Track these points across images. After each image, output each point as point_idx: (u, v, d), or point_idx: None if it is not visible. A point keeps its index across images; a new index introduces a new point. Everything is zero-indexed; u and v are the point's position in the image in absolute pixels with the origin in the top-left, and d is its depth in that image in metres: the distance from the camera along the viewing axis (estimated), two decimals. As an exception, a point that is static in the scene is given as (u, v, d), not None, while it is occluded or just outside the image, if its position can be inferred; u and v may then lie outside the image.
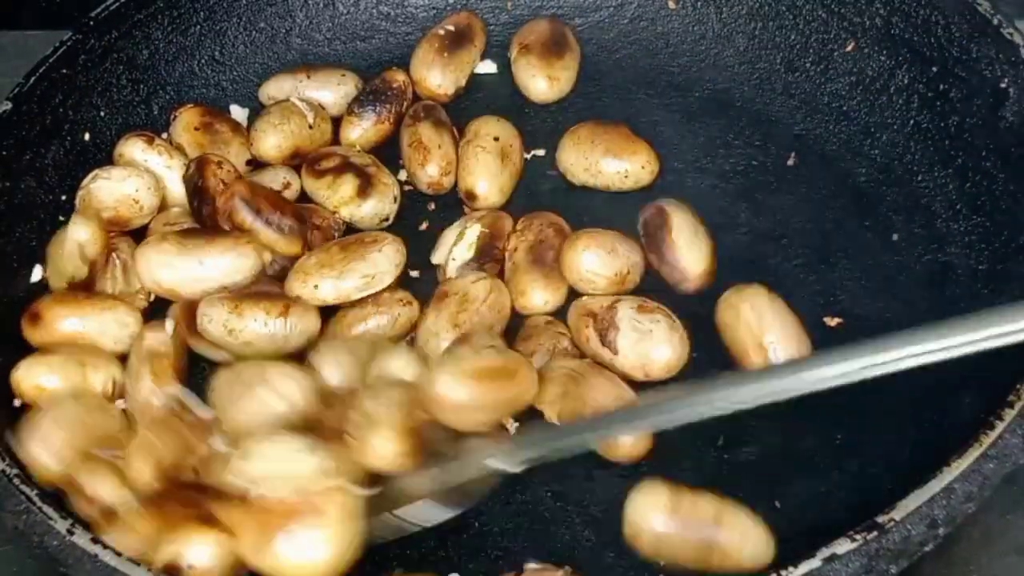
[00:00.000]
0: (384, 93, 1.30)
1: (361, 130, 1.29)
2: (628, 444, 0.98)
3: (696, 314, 1.09)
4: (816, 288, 1.12)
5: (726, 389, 0.83)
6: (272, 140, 1.25)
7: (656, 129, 1.27)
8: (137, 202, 1.17)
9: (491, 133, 1.24)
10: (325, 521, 0.83)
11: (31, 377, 1.04)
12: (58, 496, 0.92)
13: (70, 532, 0.87)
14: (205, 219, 1.17)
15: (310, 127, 1.27)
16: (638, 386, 1.03)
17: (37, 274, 1.17)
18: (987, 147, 1.12)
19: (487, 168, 1.21)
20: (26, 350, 1.08)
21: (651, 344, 1.04)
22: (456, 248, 1.15)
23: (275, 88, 1.33)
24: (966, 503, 0.84)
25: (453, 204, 1.24)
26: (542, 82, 1.32)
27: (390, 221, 1.22)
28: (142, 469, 0.90)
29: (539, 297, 1.11)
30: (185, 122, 1.28)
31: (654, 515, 0.89)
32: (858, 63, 1.27)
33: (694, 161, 1.24)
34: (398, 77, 1.32)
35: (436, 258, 1.18)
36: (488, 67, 1.39)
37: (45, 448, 0.95)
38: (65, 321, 1.08)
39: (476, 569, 0.92)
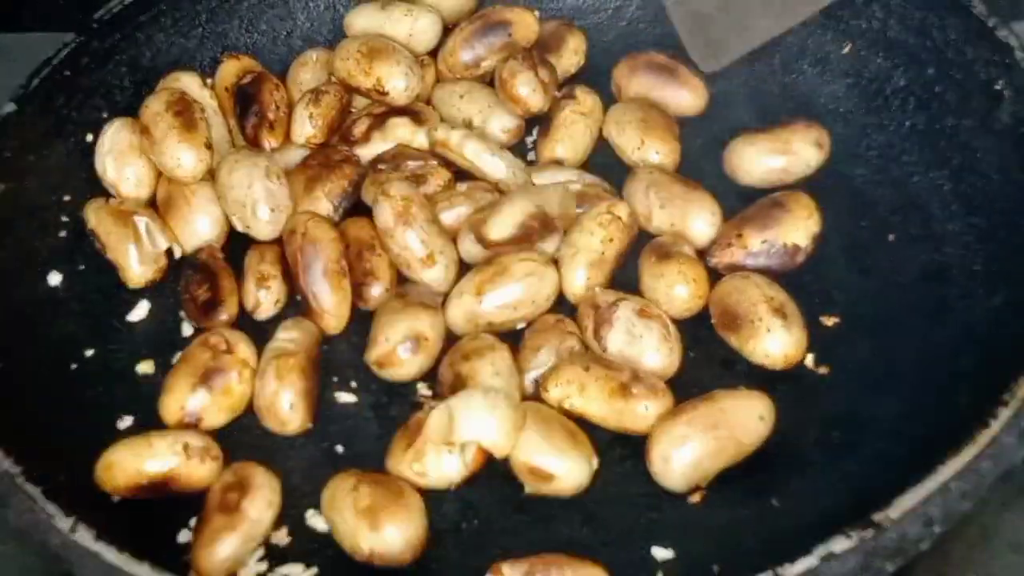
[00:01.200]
0: None
1: None
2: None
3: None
4: (814, 287, 1.12)
5: None
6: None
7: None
8: None
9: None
10: None
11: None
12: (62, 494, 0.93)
13: (73, 530, 0.88)
14: (247, 130, 1.26)
15: None
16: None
17: (55, 279, 1.18)
18: (982, 148, 1.13)
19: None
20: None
21: (639, 349, 1.05)
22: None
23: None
24: (962, 501, 0.85)
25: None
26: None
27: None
28: None
29: None
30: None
31: None
32: (855, 65, 1.28)
33: (693, 162, 1.24)
34: None
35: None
36: None
37: None
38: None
39: (477, 567, 0.92)
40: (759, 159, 1.20)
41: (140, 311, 1.18)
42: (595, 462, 0.99)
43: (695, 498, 0.98)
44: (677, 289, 1.09)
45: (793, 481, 0.98)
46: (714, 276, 1.12)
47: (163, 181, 1.24)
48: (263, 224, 1.17)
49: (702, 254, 1.14)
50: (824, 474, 0.98)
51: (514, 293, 1.09)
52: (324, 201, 1.20)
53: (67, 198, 1.22)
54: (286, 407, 1.05)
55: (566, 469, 0.97)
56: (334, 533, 0.96)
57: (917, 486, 0.85)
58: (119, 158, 1.22)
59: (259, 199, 1.16)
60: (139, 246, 1.18)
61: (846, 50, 1.28)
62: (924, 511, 0.84)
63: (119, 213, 1.19)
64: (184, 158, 1.18)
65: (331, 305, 1.12)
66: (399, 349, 1.06)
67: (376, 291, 1.14)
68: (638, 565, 0.93)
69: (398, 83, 1.27)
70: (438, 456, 0.98)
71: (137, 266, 1.18)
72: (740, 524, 0.96)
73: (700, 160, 1.24)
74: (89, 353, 1.14)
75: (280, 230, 1.18)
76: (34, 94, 1.23)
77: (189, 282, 1.16)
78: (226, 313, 1.14)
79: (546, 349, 1.07)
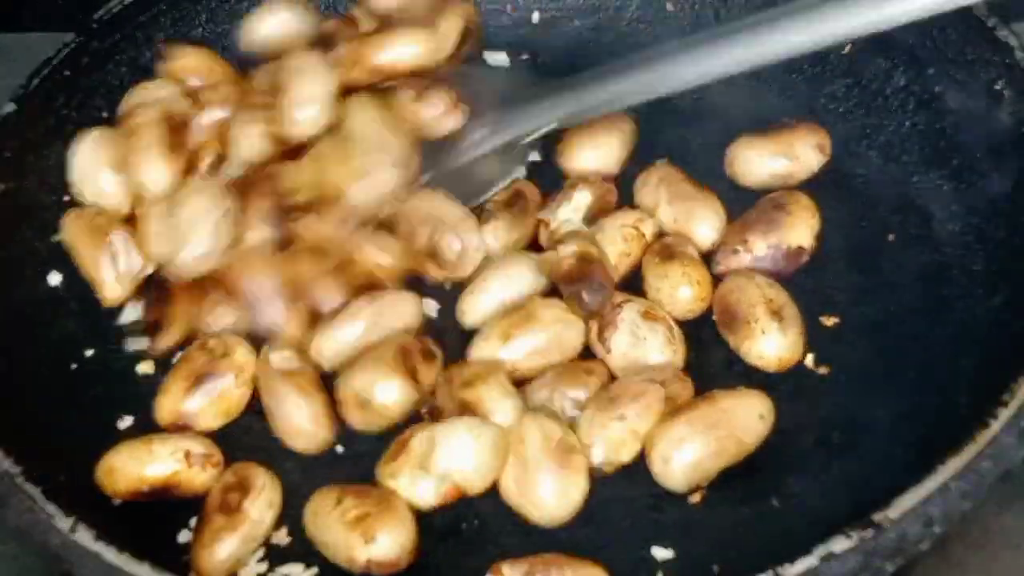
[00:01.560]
0: None
1: None
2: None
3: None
4: (813, 288, 1.13)
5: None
6: None
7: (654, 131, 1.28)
8: None
9: None
10: None
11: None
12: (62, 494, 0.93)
13: (73, 530, 0.88)
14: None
15: None
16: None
17: (55, 279, 1.18)
18: (982, 148, 1.13)
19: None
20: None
21: (643, 352, 1.05)
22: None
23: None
24: (962, 501, 0.85)
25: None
26: None
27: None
28: None
29: None
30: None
31: None
32: (855, 65, 1.28)
33: (692, 163, 1.24)
34: None
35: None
36: (499, 59, 1.39)
37: None
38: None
39: (475, 567, 0.92)
40: (762, 163, 1.20)
41: (139, 312, 1.18)
42: (584, 489, 0.97)
43: (695, 498, 0.98)
44: (681, 291, 1.09)
45: (793, 481, 0.98)
46: (717, 277, 1.13)
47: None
48: (187, 260, 1.11)
49: (705, 257, 1.14)
50: (824, 474, 0.98)
51: (541, 340, 1.06)
52: (262, 226, 1.13)
53: (67, 198, 1.22)
54: (310, 424, 1.04)
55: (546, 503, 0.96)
56: (323, 550, 0.95)
57: (917, 486, 0.85)
58: (96, 170, 1.19)
59: (198, 232, 1.10)
60: (114, 264, 1.15)
61: (846, 50, 1.28)
62: (924, 511, 0.84)
63: (95, 228, 1.17)
64: (153, 176, 1.16)
65: (287, 328, 1.09)
66: (353, 403, 1.04)
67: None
68: (638, 565, 0.94)
69: (301, 114, 1.17)
70: (412, 478, 0.97)
71: (113, 283, 1.16)
72: (740, 524, 0.96)
73: (700, 160, 1.24)
74: (89, 353, 1.14)
75: (195, 272, 1.11)
76: (34, 94, 1.23)
77: (148, 300, 1.15)
78: (165, 342, 1.11)
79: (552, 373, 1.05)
